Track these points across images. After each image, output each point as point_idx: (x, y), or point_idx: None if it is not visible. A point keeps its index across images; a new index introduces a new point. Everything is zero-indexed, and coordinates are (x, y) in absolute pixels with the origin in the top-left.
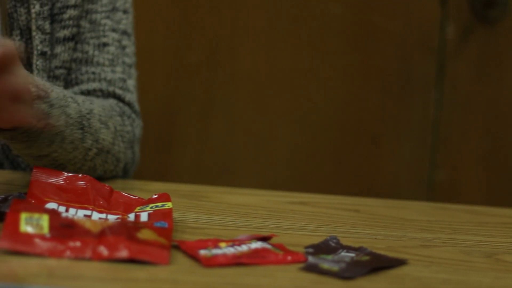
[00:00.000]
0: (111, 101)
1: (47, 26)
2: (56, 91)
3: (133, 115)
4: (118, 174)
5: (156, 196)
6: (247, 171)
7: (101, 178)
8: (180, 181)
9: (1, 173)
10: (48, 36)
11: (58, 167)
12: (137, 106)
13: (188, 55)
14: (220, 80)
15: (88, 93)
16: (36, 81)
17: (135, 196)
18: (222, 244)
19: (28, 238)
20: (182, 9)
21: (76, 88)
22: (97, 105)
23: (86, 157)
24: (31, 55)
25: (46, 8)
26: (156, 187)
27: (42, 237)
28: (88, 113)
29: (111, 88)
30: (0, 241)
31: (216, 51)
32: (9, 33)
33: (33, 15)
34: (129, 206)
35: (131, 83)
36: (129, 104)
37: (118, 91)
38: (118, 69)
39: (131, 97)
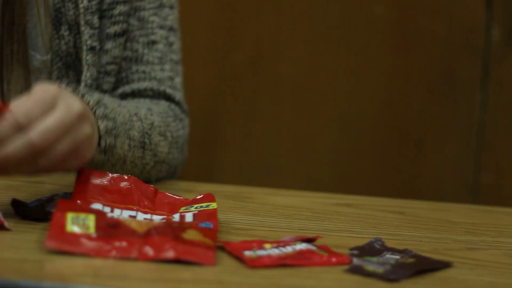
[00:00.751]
0: (164, 104)
1: (95, 20)
2: (123, 113)
3: (183, 115)
4: (167, 177)
5: (201, 196)
6: (291, 172)
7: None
8: (224, 182)
9: (58, 176)
10: (97, 31)
11: None
12: (185, 105)
13: (232, 56)
14: (263, 81)
15: (139, 92)
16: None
17: (180, 197)
18: (267, 245)
19: (74, 237)
20: (227, 10)
21: (127, 87)
22: (156, 114)
23: (143, 171)
24: (80, 50)
25: (94, 2)
26: (200, 188)
27: (88, 237)
28: (149, 129)
29: (161, 88)
30: (46, 240)
31: (260, 52)
32: (57, 28)
33: (81, 10)
34: (173, 207)
35: (178, 80)
36: (178, 104)
37: (168, 90)
38: (167, 67)
39: (180, 95)
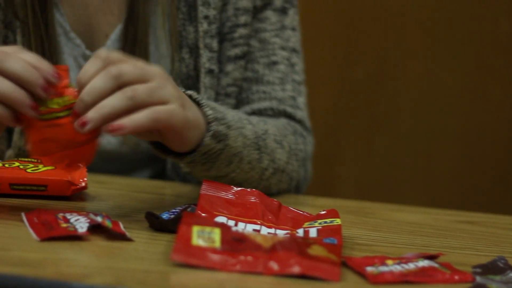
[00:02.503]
0: (283, 120)
1: (214, 44)
2: (231, 113)
3: (305, 133)
4: (290, 192)
5: (325, 212)
6: (411, 188)
7: (271, 195)
8: (343, 196)
9: (171, 185)
10: (216, 54)
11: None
12: (308, 123)
13: (353, 71)
14: (385, 96)
15: (259, 112)
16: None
17: (303, 212)
18: (389, 262)
19: (200, 251)
20: (349, 25)
21: (247, 107)
22: (271, 125)
23: (262, 177)
24: (199, 73)
25: (213, 26)
26: (321, 202)
27: (214, 250)
28: (263, 134)
29: (281, 107)
30: (173, 253)
31: (381, 67)
32: (178, 51)
33: (201, 34)
34: (297, 222)
35: (301, 100)
36: (300, 122)
37: (289, 109)
38: (288, 87)
39: (302, 114)
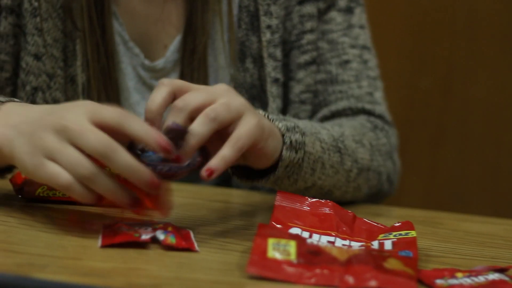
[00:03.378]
0: (361, 118)
1: (278, 53)
2: (302, 121)
3: (386, 126)
4: (384, 187)
5: (399, 224)
6: (480, 198)
7: (364, 194)
8: (411, 206)
9: (238, 193)
10: (280, 63)
11: (325, 195)
12: (388, 117)
13: (421, 81)
14: (453, 106)
15: (338, 113)
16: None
17: (378, 223)
18: (459, 274)
19: (275, 264)
20: (416, 35)
21: (325, 110)
22: (347, 126)
23: (349, 179)
24: (264, 83)
25: (276, 35)
26: (391, 212)
27: (289, 263)
28: (340, 136)
29: (360, 104)
30: (248, 266)
31: (449, 77)
32: (241, 61)
33: (264, 44)
34: (371, 233)
35: (378, 95)
36: (380, 116)
37: (367, 106)
38: (364, 83)
39: (381, 109)
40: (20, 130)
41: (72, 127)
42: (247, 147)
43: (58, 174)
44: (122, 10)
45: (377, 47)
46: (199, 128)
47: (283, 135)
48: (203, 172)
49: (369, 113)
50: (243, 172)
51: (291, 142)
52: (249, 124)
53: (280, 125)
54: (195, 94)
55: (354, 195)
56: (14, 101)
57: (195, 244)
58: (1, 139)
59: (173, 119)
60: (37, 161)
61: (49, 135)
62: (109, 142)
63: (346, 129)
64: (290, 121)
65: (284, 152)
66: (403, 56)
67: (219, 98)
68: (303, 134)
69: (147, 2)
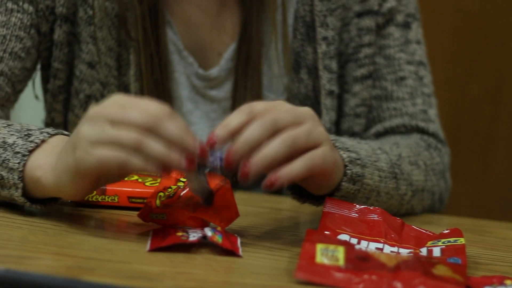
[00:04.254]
0: (415, 136)
1: (333, 65)
2: (365, 148)
3: (439, 145)
4: (435, 206)
5: (448, 231)
6: None
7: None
8: (460, 214)
9: (287, 200)
10: (335, 75)
11: None
12: (441, 135)
13: (470, 88)
14: (502, 112)
15: (391, 130)
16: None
17: (426, 230)
18: (508, 282)
19: (324, 269)
20: (466, 42)
21: (379, 126)
22: (404, 146)
23: (402, 202)
24: (318, 94)
25: (332, 47)
26: (440, 220)
27: (338, 268)
28: (397, 160)
29: (413, 122)
30: (296, 271)
31: (499, 84)
32: (296, 71)
33: (320, 55)
34: (420, 240)
35: (432, 112)
36: (433, 135)
37: (421, 124)
38: (418, 101)
39: (435, 127)
40: (62, 151)
41: (107, 110)
42: (317, 170)
43: (106, 155)
44: (177, 19)
45: (428, 55)
46: (273, 149)
47: (345, 166)
48: (266, 181)
49: (422, 131)
50: (295, 189)
51: (352, 174)
52: (325, 152)
53: (344, 155)
54: (283, 113)
55: (406, 214)
56: (63, 133)
57: (240, 249)
58: (47, 169)
59: (259, 131)
60: (80, 154)
61: (86, 126)
62: (156, 112)
63: (403, 149)
64: (354, 151)
65: (343, 183)
66: (453, 63)
67: (304, 122)
68: (363, 166)
69: (203, 10)
